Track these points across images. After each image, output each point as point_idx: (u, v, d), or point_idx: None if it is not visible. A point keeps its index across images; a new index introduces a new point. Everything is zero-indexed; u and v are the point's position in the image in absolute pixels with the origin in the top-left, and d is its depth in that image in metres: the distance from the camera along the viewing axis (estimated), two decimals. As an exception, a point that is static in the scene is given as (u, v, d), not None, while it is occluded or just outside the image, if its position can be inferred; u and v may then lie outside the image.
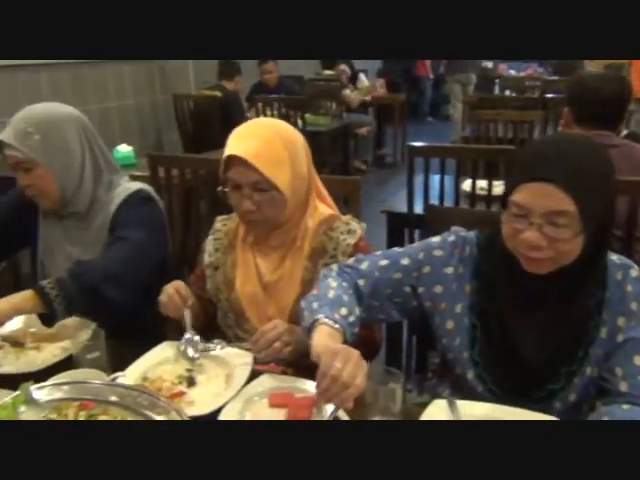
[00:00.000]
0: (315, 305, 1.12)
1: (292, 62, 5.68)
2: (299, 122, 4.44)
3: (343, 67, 5.97)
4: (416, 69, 8.79)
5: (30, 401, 1.00)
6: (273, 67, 5.01)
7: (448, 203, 2.50)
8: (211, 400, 1.13)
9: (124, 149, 3.32)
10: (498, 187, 2.31)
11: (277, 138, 1.30)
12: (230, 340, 1.45)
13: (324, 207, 1.44)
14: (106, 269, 1.37)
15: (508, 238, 1.05)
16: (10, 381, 1.21)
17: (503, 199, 1.05)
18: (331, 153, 4.80)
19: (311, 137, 4.32)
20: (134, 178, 1.69)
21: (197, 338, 1.28)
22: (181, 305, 1.30)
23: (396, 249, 1.25)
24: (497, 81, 9.05)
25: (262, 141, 1.29)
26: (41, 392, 1.02)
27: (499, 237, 1.08)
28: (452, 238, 1.21)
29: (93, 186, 1.52)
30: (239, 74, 4.47)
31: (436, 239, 1.22)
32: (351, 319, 1.12)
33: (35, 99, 1.59)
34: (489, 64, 9.06)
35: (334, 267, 1.24)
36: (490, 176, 2.39)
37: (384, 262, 1.22)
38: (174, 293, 1.30)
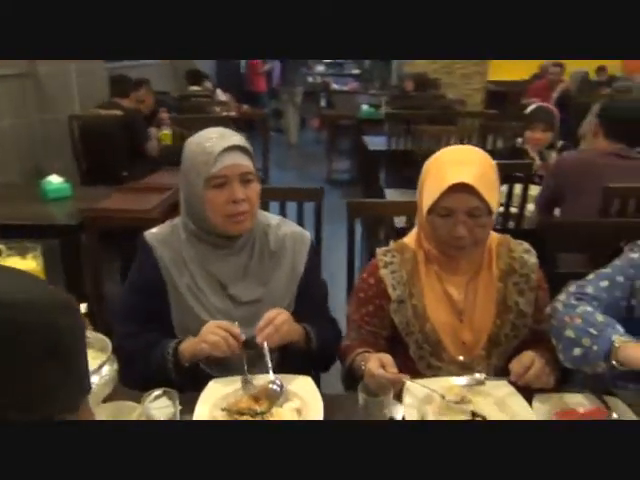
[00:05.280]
0: (594, 330, 1.21)
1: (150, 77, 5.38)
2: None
3: (209, 84, 5.83)
4: (252, 84, 8.88)
5: None
6: (146, 95, 4.59)
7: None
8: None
9: (56, 180, 2.88)
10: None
11: (489, 163, 1.35)
12: (420, 372, 1.43)
13: None
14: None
15: None
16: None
17: None
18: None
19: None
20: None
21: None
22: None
23: (605, 270, 1.37)
24: (322, 94, 9.64)
25: (481, 167, 1.32)
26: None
27: None
28: None
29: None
30: (136, 90, 4.13)
31: (635, 255, 1.38)
32: None
33: None
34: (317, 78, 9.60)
35: (570, 300, 1.31)
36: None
37: (604, 283, 1.34)
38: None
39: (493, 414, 1.21)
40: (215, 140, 1.32)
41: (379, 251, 1.49)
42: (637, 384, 1.44)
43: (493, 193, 1.33)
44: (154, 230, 1.45)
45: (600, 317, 1.24)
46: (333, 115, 6.93)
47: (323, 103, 9.50)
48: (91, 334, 1.24)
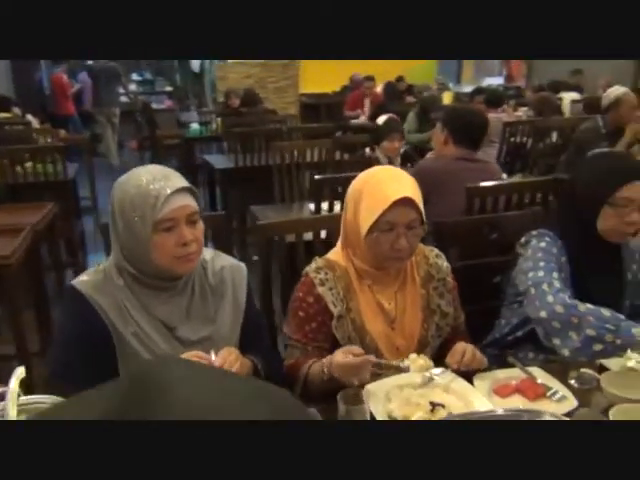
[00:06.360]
0: (611, 326, 1.47)
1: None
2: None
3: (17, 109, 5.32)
4: (60, 107, 8.18)
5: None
6: None
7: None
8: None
9: None
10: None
11: (412, 178, 1.48)
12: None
13: None
14: None
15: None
16: None
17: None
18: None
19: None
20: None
21: None
22: None
23: (543, 262, 1.62)
24: (138, 113, 9.24)
25: (411, 181, 1.45)
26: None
27: None
28: (549, 239, 1.65)
29: None
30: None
31: (543, 244, 1.64)
32: None
33: None
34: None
35: (564, 299, 1.53)
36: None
37: (556, 274, 1.59)
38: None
39: (446, 400, 1.34)
40: (160, 182, 1.27)
41: (310, 269, 1.53)
42: (534, 354, 1.70)
43: (422, 205, 1.45)
44: (84, 278, 1.34)
45: (605, 312, 1.49)
46: (158, 135, 6.73)
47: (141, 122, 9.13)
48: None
